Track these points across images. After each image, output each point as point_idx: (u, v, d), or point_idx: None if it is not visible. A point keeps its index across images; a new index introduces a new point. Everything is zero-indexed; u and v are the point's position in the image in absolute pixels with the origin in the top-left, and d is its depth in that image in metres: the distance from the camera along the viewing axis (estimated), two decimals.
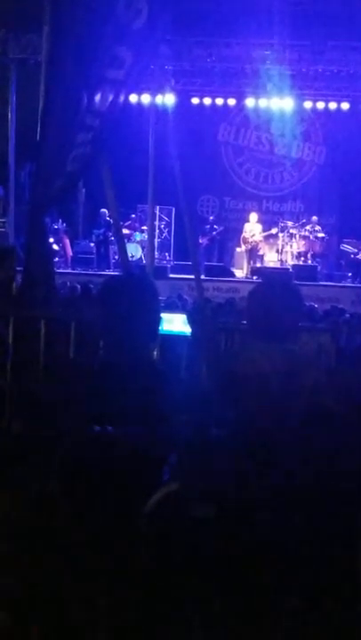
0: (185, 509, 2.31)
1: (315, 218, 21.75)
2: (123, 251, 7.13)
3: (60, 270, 18.97)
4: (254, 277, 19.56)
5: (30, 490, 2.14)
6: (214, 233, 22.02)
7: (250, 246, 21.36)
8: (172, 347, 6.28)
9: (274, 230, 21.53)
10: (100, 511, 2.23)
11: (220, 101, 22.59)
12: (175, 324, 7.30)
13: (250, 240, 21.36)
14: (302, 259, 21.15)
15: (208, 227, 22.07)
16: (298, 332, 3.83)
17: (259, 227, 21.64)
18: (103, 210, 20.06)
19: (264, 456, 2.85)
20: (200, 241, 21.54)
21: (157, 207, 20.21)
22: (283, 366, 3.47)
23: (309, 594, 2.38)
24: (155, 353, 4.93)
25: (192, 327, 3.82)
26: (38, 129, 6.29)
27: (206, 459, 2.71)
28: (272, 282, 4.31)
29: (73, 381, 3.17)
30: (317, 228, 21.38)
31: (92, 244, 21.49)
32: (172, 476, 2.55)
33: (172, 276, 19.57)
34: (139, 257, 20.53)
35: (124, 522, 2.13)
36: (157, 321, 3.40)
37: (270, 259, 21.64)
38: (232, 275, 20.85)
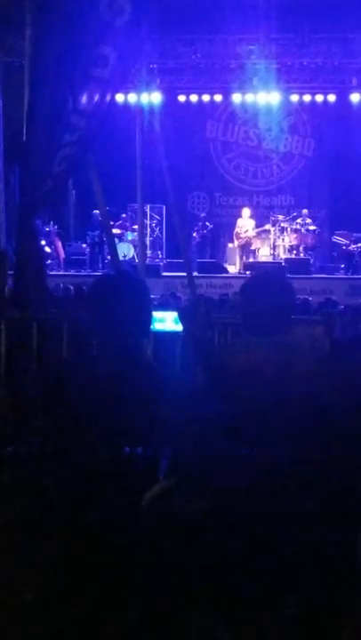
0: (182, 504, 2.31)
1: (305, 211, 21.74)
2: (113, 250, 7.13)
3: (53, 272, 18.95)
4: (247, 272, 19.55)
5: (26, 487, 2.14)
6: (205, 231, 22.01)
7: (243, 242, 21.36)
8: (166, 344, 6.28)
9: (268, 226, 21.52)
10: (96, 509, 2.23)
11: (206, 98, 22.58)
12: (167, 321, 7.31)
13: (243, 236, 21.37)
14: (295, 252, 21.14)
15: (200, 223, 22.07)
16: (291, 324, 3.83)
17: (251, 222, 21.64)
18: (96, 211, 20.04)
19: (260, 448, 2.85)
20: (194, 234, 21.56)
21: (148, 206, 20.23)
22: (276, 359, 3.47)
23: (310, 589, 2.38)
24: (148, 351, 4.93)
25: (184, 324, 3.83)
26: (24, 131, 6.28)
27: (202, 453, 2.70)
28: (263, 275, 4.31)
29: (66, 381, 3.16)
30: (308, 220, 21.38)
31: (85, 245, 21.47)
32: (169, 471, 2.55)
33: (164, 274, 19.57)
34: (131, 256, 20.52)
35: (121, 519, 2.13)
36: (149, 318, 3.40)
37: (263, 253, 21.63)
38: (225, 270, 20.85)
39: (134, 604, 1.93)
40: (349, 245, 21.00)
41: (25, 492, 2.16)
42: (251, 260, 21.10)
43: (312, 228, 21.30)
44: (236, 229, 21.56)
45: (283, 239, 21.38)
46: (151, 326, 3.54)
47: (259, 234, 21.60)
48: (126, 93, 20.37)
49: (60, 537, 2.07)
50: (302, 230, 21.22)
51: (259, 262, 20.85)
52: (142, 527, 2.08)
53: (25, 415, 2.84)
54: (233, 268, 21.24)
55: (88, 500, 2.25)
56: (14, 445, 2.46)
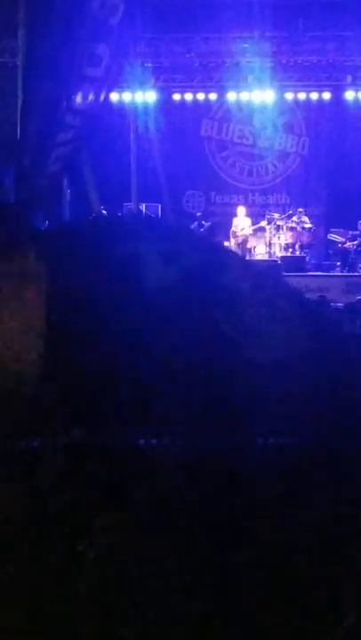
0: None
1: (301, 209, 21.74)
2: None
3: None
4: None
5: (30, 477, 2.14)
6: (201, 229, 22.00)
7: (239, 240, 21.35)
8: None
9: (263, 223, 21.51)
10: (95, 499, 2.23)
11: (201, 96, 22.59)
12: None
13: (239, 234, 21.36)
14: (290, 250, 21.14)
15: (196, 223, 22.06)
16: None
17: (247, 220, 21.62)
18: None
19: (255, 446, 2.85)
20: None
21: (143, 205, 20.22)
22: (271, 357, 3.46)
23: (312, 581, 2.38)
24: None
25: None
26: (18, 130, 6.29)
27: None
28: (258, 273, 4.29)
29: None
30: (304, 218, 21.38)
31: None
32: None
33: None
34: None
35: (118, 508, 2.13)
36: None
37: (259, 251, 21.63)
38: None
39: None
40: (345, 243, 21.01)
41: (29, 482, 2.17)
42: (247, 258, 21.08)
43: (308, 225, 21.29)
44: (233, 228, 21.55)
45: (278, 237, 21.38)
46: None
47: (255, 232, 21.58)
48: (121, 92, 20.37)
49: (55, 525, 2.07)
50: (298, 228, 21.21)
51: (254, 260, 20.84)
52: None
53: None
54: None
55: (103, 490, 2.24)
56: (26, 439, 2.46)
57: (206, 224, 22.22)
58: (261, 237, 21.69)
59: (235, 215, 21.82)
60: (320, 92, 22.10)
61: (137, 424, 2.62)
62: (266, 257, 21.29)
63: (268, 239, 21.52)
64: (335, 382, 2.91)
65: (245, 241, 21.38)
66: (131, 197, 18.30)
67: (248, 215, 21.82)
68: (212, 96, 22.58)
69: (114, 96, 19.44)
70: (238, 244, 21.33)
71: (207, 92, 22.50)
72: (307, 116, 22.95)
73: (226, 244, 21.98)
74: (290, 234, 21.25)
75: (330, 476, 2.58)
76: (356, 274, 20.24)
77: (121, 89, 19.87)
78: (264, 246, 21.58)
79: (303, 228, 21.24)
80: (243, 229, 21.40)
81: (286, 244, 21.22)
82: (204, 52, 20.63)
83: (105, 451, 2.45)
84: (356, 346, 3.25)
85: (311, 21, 19.05)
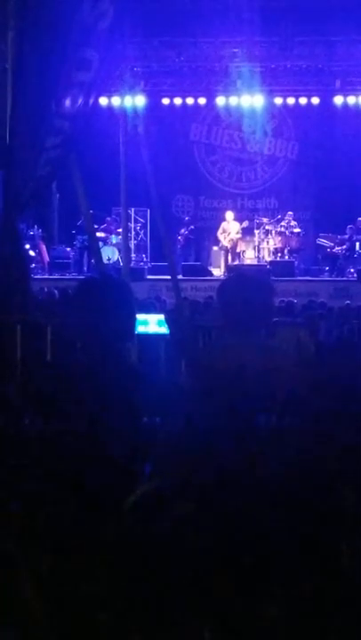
0: (165, 507, 2.30)
1: (290, 213, 21.79)
2: (97, 253, 7.14)
3: (38, 276, 18.90)
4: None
5: (6, 491, 2.13)
6: (189, 234, 22.03)
7: (227, 245, 21.38)
8: (150, 347, 6.28)
9: (245, 223, 21.52)
10: (78, 511, 2.22)
11: (190, 101, 22.63)
12: (151, 324, 7.31)
13: (228, 239, 21.38)
14: (279, 255, 21.18)
15: (184, 227, 22.08)
16: (271, 324, 3.84)
17: (236, 225, 21.66)
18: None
19: (245, 449, 2.85)
20: (179, 237, 21.56)
21: (132, 209, 20.21)
22: (258, 361, 3.47)
23: (293, 593, 2.37)
24: (133, 354, 4.93)
25: (169, 327, 3.83)
26: (7, 134, 6.28)
27: (186, 455, 2.70)
28: (240, 275, 4.32)
29: (50, 384, 3.16)
30: (293, 223, 21.42)
31: (69, 249, 21.46)
32: (152, 473, 2.54)
33: (149, 277, 19.57)
34: (116, 259, 20.50)
35: (103, 521, 2.12)
36: (133, 321, 3.40)
37: (247, 256, 21.68)
38: (209, 273, 20.86)
39: (116, 605, 1.92)
40: (334, 247, 21.07)
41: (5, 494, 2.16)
42: (235, 262, 21.13)
43: (296, 230, 21.34)
44: (221, 232, 21.57)
45: (267, 242, 21.43)
46: (135, 329, 3.54)
47: (243, 236, 21.62)
48: (110, 96, 20.38)
49: (41, 539, 2.06)
50: (287, 233, 21.27)
51: (243, 265, 20.88)
52: (125, 529, 2.07)
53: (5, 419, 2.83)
54: (218, 271, 21.26)
55: (70, 503, 2.24)
56: None
57: (194, 228, 22.25)
58: (250, 242, 21.74)
59: (223, 219, 21.86)
60: (309, 96, 22.15)
61: None
62: (255, 261, 21.33)
63: (256, 243, 21.56)
64: None
65: (234, 245, 21.41)
66: (120, 201, 18.26)
67: (237, 219, 21.85)
68: (202, 100, 22.61)
69: (103, 100, 19.45)
70: (226, 249, 21.36)
71: (196, 97, 22.53)
72: (296, 120, 23.00)
73: (214, 248, 22.06)
74: (279, 238, 21.29)
75: None
76: (344, 278, 20.32)
77: (110, 93, 19.87)
78: (252, 250, 21.63)
79: (292, 233, 21.29)
80: (229, 234, 21.42)
81: (275, 249, 21.27)
82: (193, 57, 20.64)
83: None
84: None
85: (300, 26, 19.08)
